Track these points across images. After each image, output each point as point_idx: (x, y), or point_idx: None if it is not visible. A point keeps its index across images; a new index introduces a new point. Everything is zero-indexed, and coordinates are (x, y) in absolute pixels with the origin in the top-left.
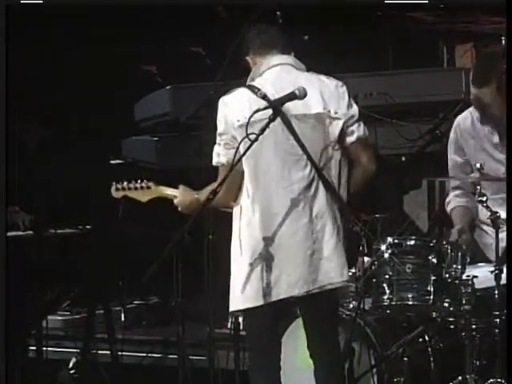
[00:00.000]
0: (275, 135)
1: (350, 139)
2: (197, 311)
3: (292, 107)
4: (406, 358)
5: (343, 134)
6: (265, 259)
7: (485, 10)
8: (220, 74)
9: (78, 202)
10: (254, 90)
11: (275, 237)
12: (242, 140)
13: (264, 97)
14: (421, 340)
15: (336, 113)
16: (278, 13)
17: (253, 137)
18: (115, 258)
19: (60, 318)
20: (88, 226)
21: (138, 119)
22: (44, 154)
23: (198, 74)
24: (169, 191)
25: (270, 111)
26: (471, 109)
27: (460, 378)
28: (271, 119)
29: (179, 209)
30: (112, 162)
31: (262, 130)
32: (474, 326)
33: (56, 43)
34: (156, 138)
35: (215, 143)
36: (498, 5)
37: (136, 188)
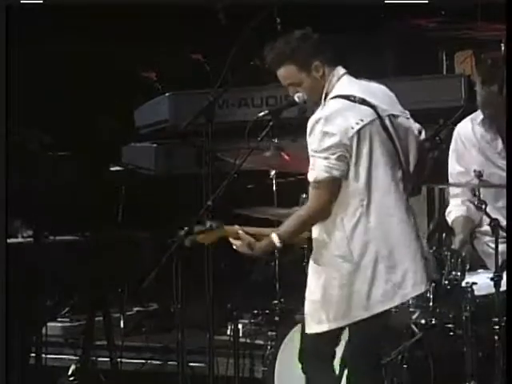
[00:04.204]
0: (380, 136)
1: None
2: (196, 318)
3: (382, 108)
4: (405, 365)
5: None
6: (387, 261)
7: (485, 16)
8: (220, 80)
9: (77, 208)
10: (349, 98)
11: (393, 238)
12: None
13: (363, 101)
14: (420, 346)
15: (405, 113)
16: (277, 19)
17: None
18: (115, 264)
19: (59, 324)
20: (87, 233)
21: (138, 126)
22: (44, 160)
23: (198, 80)
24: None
25: (373, 115)
26: (472, 116)
27: None
28: (271, 126)
29: (251, 252)
30: (112, 168)
31: (262, 138)
32: (473, 333)
33: (55, 49)
34: (156, 145)
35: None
36: (497, 9)
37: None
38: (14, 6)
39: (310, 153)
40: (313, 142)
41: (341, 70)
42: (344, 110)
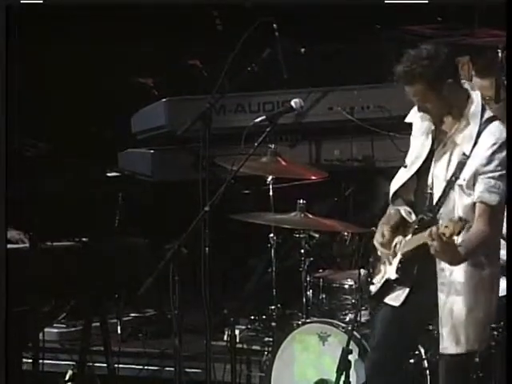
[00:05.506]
0: None
1: None
2: (193, 323)
3: None
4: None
5: None
6: None
7: (482, 22)
8: (217, 86)
9: (74, 214)
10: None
11: None
12: None
13: None
14: (417, 352)
15: None
16: (274, 25)
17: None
18: (112, 270)
19: (56, 330)
20: (84, 239)
21: (135, 132)
22: (41, 166)
23: (195, 86)
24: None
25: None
26: None
27: None
28: (268, 132)
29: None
30: (109, 174)
31: (258, 143)
32: None
33: (53, 50)
34: (152, 151)
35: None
36: (495, 15)
37: None
38: (14, 5)
39: (492, 174)
40: (497, 165)
41: (469, 85)
42: None
